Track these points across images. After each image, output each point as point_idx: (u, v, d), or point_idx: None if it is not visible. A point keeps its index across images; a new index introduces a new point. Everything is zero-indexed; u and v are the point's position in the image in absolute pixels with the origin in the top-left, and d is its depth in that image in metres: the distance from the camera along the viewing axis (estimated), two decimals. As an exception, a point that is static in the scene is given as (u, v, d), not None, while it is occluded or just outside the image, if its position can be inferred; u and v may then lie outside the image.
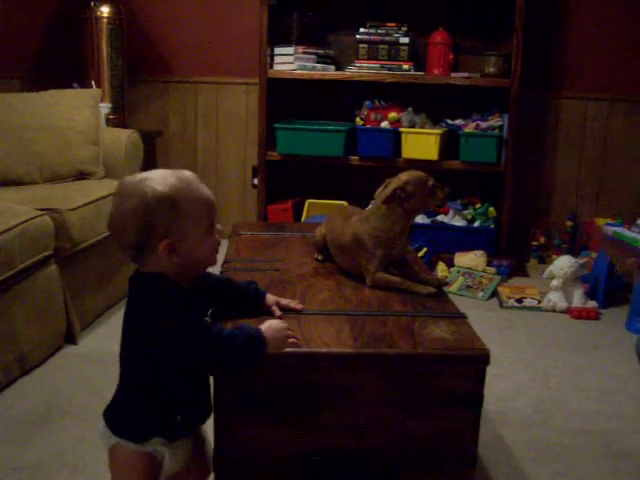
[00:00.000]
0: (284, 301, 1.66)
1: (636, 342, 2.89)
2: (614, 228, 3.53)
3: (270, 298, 1.65)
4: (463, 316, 1.71)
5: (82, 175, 3.39)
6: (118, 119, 4.08)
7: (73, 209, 2.90)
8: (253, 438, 1.53)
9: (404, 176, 1.91)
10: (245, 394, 1.52)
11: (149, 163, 3.97)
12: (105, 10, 4.02)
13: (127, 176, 1.47)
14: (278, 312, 1.61)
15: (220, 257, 2.18)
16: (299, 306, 1.65)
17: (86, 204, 3.01)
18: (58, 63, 4.29)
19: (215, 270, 2.11)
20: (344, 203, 4.04)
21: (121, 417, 1.50)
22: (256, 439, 1.53)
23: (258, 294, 1.64)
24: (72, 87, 3.90)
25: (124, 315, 1.45)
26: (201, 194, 1.44)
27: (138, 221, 1.38)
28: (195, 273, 1.49)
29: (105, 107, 3.88)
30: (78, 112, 3.44)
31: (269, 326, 1.43)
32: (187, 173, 1.46)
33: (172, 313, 1.37)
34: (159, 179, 1.41)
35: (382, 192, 1.90)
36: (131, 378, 1.49)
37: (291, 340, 1.45)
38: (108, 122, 3.93)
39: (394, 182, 1.89)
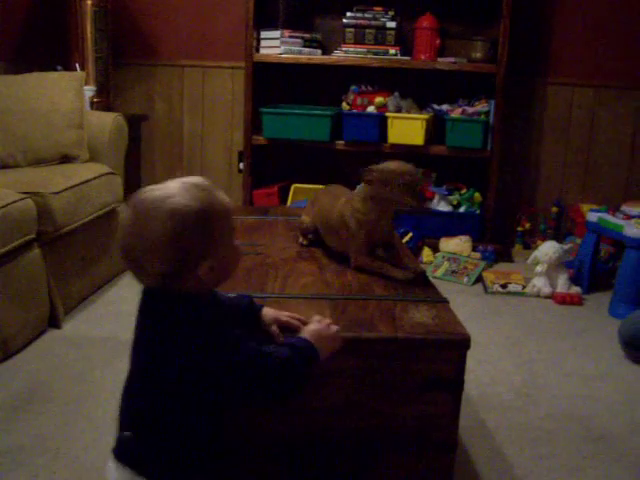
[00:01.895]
0: (284, 316, 1.48)
1: (619, 327, 2.91)
2: (598, 214, 3.53)
3: (268, 313, 1.48)
4: (445, 301, 1.71)
5: (66, 158, 3.36)
6: (103, 102, 4.05)
7: (56, 192, 2.88)
8: (234, 422, 1.53)
9: (388, 163, 1.88)
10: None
11: (134, 147, 3.95)
12: (89, -8, 3.98)
13: (139, 193, 1.26)
14: (277, 333, 1.45)
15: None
16: (300, 324, 1.46)
17: (70, 188, 2.99)
18: (42, 46, 4.25)
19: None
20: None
21: (158, 466, 1.29)
22: (237, 423, 1.53)
23: (252, 309, 1.49)
24: (56, 70, 3.87)
25: (141, 347, 1.31)
26: (225, 202, 1.28)
27: (174, 245, 1.20)
28: (216, 287, 1.35)
29: (89, 90, 3.85)
30: (62, 95, 3.41)
31: (315, 335, 1.35)
32: (204, 181, 1.28)
33: (224, 339, 1.24)
34: (183, 193, 1.22)
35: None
36: (160, 420, 1.28)
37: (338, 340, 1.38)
38: (92, 105, 3.89)
39: (376, 166, 1.88)
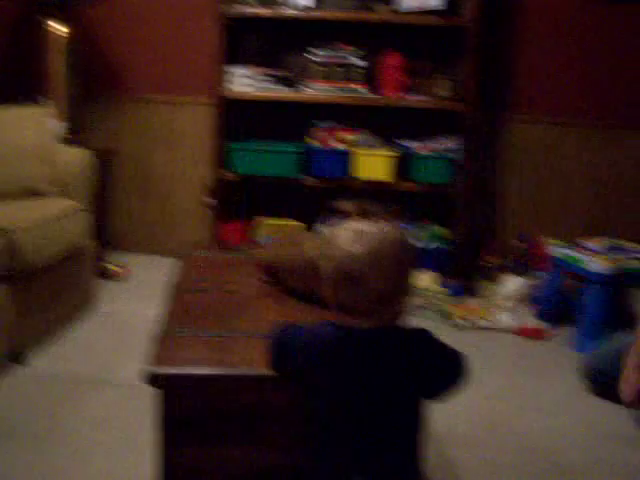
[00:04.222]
0: None
1: (582, 362, 2.96)
2: (562, 250, 3.60)
3: None
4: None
5: (34, 194, 3.35)
6: (72, 137, 4.04)
7: (24, 228, 2.87)
8: (202, 458, 1.53)
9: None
10: (191, 415, 1.53)
11: (103, 182, 3.95)
12: (60, 28, 3.99)
13: (373, 226, 1.41)
14: None
15: (170, 278, 2.20)
16: None
17: (37, 223, 2.98)
18: (10, 81, 4.25)
19: (164, 291, 2.12)
20: (298, 223, 4.06)
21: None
22: (205, 459, 1.53)
23: None
24: (27, 104, 3.87)
25: (405, 375, 1.39)
26: None
27: (407, 271, 1.41)
28: None
29: (59, 125, 3.85)
30: (30, 130, 3.41)
31: None
32: None
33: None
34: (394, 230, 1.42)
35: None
36: (405, 444, 1.42)
37: None
38: (62, 140, 3.89)
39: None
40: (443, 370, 1.45)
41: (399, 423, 1.40)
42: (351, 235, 1.37)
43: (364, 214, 1.86)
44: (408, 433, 1.42)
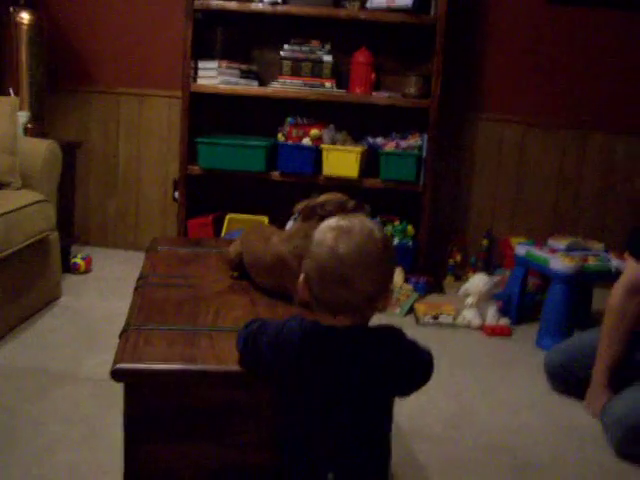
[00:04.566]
0: None
1: (544, 358, 2.99)
2: (526, 247, 3.63)
3: None
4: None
5: (-3, 185, 3.32)
6: (37, 128, 4.00)
7: (-14, 220, 2.83)
8: (168, 455, 1.53)
9: (324, 196, 1.92)
10: (157, 411, 1.52)
11: (68, 174, 3.91)
12: (25, 16, 3.94)
13: (357, 224, 1.36)
14: None
15: (136, 272, 2.19)
16: None
17: (1, 215, 2.95)
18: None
19: (130, 285, 2.10)
20: (265, 218, 4.05)
21: None
22: (171, 456, 1.52)
23: None
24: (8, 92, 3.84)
25: (367, 376, 1.37)
26: None
27: (391, 268, 1.40)
28: None
29: (23, 116, 3.81)
30: (-6, 120, 3.37)
31: None
32: None
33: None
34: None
35: (300, 205, 1.92)
36: (377, 440, 1.43)
37: None
38: (26, 131, 3.85)
39: (314, 200, 1.91)
40: (415, 368, 1.45)
41: (372, 420, 1.40)
42: (334, 233, 1.35)
43: (343, 209, 1.87)
44: (380, 430, 1.42)
